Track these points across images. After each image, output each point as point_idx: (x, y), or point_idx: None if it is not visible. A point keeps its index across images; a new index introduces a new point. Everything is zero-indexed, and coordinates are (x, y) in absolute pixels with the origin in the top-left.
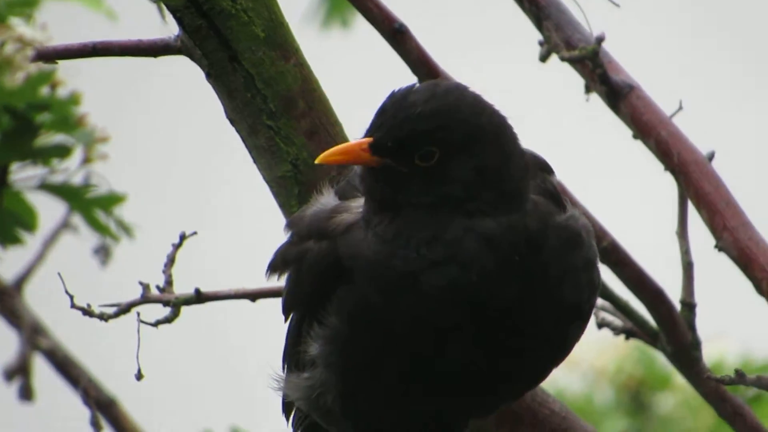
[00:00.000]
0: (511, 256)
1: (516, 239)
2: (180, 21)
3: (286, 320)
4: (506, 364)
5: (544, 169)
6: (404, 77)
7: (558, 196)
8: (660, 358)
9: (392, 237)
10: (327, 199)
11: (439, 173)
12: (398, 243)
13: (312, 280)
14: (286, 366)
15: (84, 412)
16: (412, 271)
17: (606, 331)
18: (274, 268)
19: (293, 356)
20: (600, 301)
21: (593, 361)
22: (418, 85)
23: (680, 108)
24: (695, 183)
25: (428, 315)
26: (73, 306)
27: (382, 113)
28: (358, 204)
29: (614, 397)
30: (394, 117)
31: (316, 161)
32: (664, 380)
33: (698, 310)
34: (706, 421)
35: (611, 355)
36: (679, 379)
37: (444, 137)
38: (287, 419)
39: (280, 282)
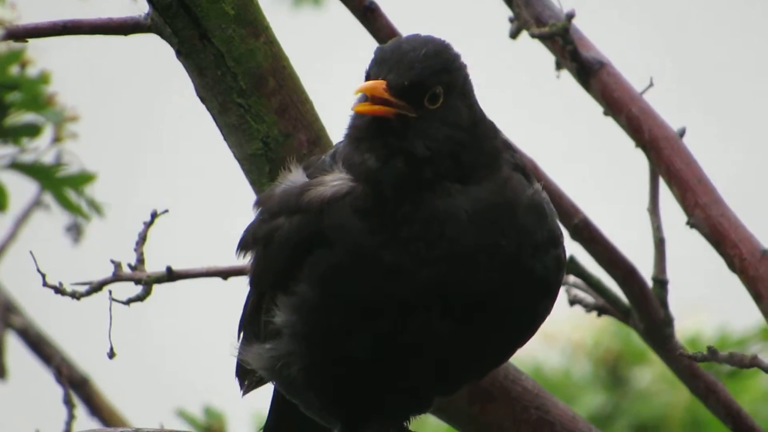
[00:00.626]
0: (496, 233)
1: (500, 215)
2: None
3: (252, 291)
4: (472, 340)
5: (509, 146)
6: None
7: (526, 171)
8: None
9: (380, 211)
10: (295, 176)
11: (443, 117)
12: (386, 218)
13: (283, 254)
14: (242, 335)
15: (57, 390)
16: (399, 246)
17: (587, 312)
18: (245, 245)
19: (253, 326)
20: (572, 278)
21: (571, 336)
22: (400, 37)
23: (651, 84)
24: (666, 159)
25: (403, 285)
26: (45, 284)
27: (384, 60)
28: (333, 178)
29: (592, 371)
30: (401, 60)
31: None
32: (641, 354)
33: (671, 288)
34: (683, 394)
35: (588, 329)
36: (655, 354)
37: (449, 79)
38: (241, 384)
39: (248, 261)
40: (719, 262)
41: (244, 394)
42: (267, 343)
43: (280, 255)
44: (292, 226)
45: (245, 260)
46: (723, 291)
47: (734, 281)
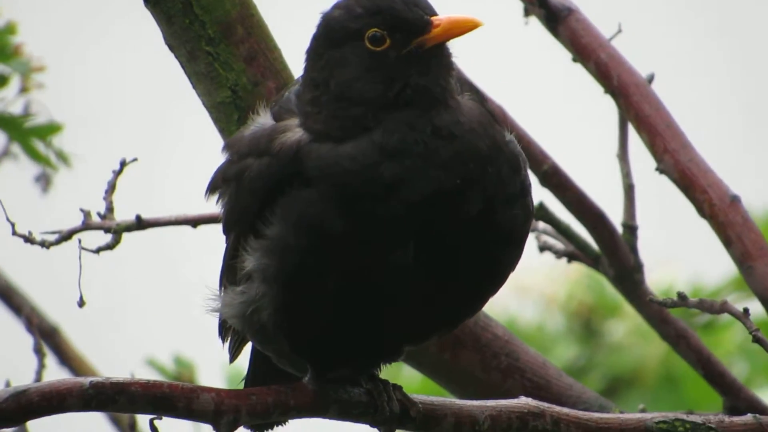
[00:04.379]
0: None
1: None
2: None
3: (227, 239)
4: (443, 287)
5: (475, 89)
6: None
7: (493, 113)
8: (610, 286)
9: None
10: (263, 119)
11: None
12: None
13: (253, 193)
14: (222, 286)
15: (26, 340)
16: (401, 178)
17: (556, 259)
18: (214, 187)
19: (229, 274)
20: (541, 225)
21: (544, 289)
22: None
23: (619, 31)
24: (635, 105)
25: (384, 225)
26: (14, 233)
27: (405, 4)
28: (297, 122)
29: (565, 324)
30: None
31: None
32: (614, 307)
33: (642, 235)
34: (657, 348)
35: (562, 282)
36: (629, 307)
37: None
38: (224, 342)
39: (219, 206)
40: (689, 209)
41: (232, 359)
42: (238, 288)
43: (250, 195)
44: (262, 167)
45: (214, 203)
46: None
47: (704, 230)
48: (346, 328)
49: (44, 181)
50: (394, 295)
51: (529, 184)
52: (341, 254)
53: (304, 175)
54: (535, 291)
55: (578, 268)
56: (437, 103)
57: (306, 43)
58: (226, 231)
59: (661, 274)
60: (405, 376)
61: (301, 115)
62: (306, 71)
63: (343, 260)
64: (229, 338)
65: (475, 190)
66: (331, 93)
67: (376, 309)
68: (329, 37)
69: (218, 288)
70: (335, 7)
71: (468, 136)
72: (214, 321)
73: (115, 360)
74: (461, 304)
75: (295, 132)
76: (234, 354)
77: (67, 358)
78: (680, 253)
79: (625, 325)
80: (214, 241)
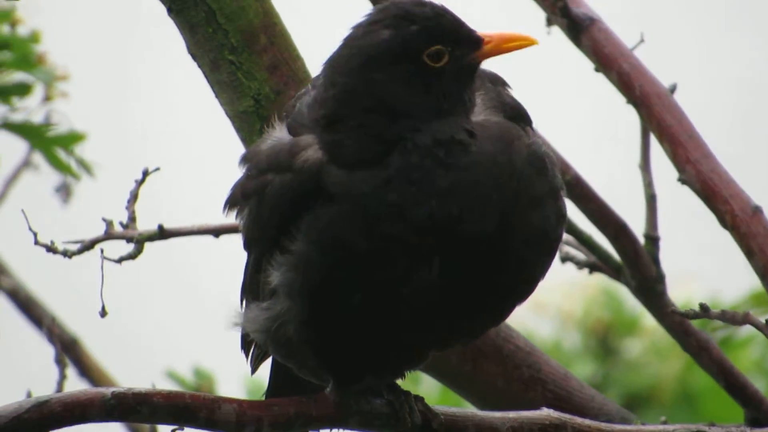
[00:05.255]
0: (500, 183)
1: (502, 168)
2: None
3: (249, 254)
4: (471, 294)
5: (497, 81)
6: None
7: (522, 114)
8: (628, 302)
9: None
10: (279, 133)
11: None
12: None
13: (274, 209)
14: (244, 301)
15: (46, 352)
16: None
17: (574, 275)
18: (233, 202)
19: (252, 290)
20: (564, 236)
21: (561, 306)
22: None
23: (642, 40)
24: (657, 116)
25: (407, 238)
26: (36, 243)
27: (454, 20)
28: (314, 139)
29: (582, 341)
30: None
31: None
32: (631, 324)
33: (663, 246)
34: (673, 365)
35: (579, 299)
36: (646, 324)
37: None
38: (246, 355)
39: (239, 222)
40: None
41: (253, 372)
42: (263, 303)
43: (273, 211)
44: (284, 183)
45: (233, 217)
46: (715, 252)
47: (725, 244)
48: (372, 341)
49: (65, 192)
50: (419, 308)
51: (560, 185)
52: (365, 271)
53: (326, 191)
54: (553, 308)
55: (595, 285)
56: (465, 116)
57: (328, 53)
58: (247, 247)
59: (680, 290)
60: (425, 386)
61: (316, 132)
62: (326, 88)
63: (367, 277)
64: (252, 352)
65: (491, 204)
66: (362, 112)
67: (402, 323)
68: (372, 56)
69: (240, 303)
70: (378, 25)
71: (484, 150)
72: (234, 333)
73: (135, 371)
74: (488, 310)
75: (315, 150)
76: (255, 366)
77: (86, 369)
78: (701, 264)
79: (642, 343)
80: (236, 251)
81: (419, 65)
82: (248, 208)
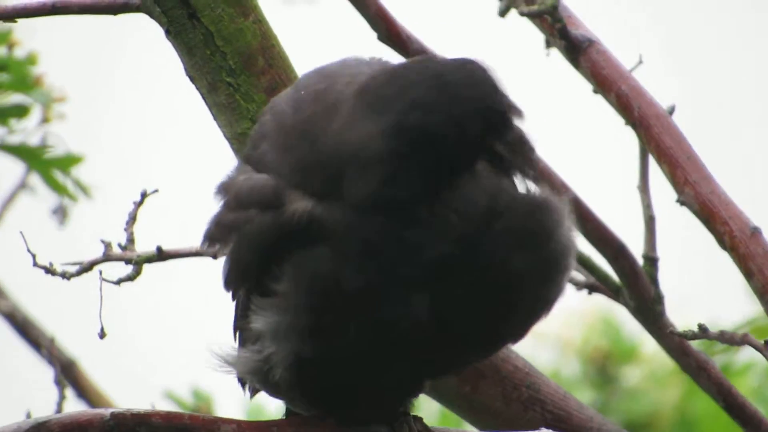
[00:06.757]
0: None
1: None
2: None
3: (232, 296)
4: (465, 333)
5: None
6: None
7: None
8: (626, 330)
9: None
10: (251, 172)
11: None
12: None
13: (257, 250)
14: (237, 338)
15: (43, 374)
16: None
17: (572, 303)
18: (211, 237)
19: (241, 332)
20: None
21: (560, 334)
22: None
23: (640, 62)
24: (656, 137)
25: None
26: (35, 264)
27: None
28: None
29: (581, 369)
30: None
31: None
32: (630, 352)
33: (661, 266)
34: (672, 393)
35: (578, 326)
36: (645, 351)
37: None
38: (243, 389)
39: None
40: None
41: (251, 396)
42: (252, 346)
43: (256, 251)
44: (270, 221)
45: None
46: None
47: (723, 268)
48: (363, 379)
49: (61, 214)
50: (413, 347)
51: (555, 222)
52: (356, 312)
53: (313, 234)
54: (551, 336)
55: (594, 313)
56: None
57: None
58: (228, 287)
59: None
60: (424, 407)
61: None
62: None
63: (358, 317)
64: (247, 385)
65: (481, 247)
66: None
67: (393, 362)
68: None
69: (234, 340)
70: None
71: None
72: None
73: (134, 393)
74: (483, 347)
75: (299, 198)
76: (252, 394)
77: (84, 391)
78: (698, 288)
79: (641, 371)
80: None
81: None
82: (227, 247)
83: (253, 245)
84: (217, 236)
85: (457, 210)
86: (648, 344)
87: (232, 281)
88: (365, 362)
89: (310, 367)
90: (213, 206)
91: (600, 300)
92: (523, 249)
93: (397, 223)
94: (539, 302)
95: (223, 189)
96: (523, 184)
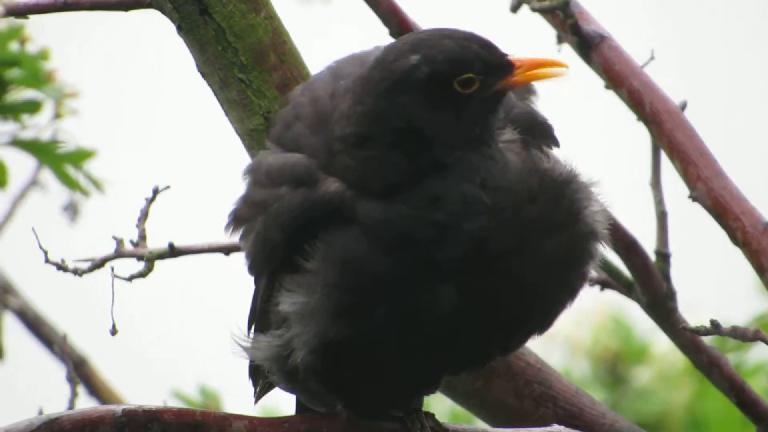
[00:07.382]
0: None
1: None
2: None
3: (254, 280)
4: (490, 323)
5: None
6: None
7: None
8: (637, 330)
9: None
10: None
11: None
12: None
13: (288, 228)
14: (253, 328)
15: (54, 371)
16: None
17: (582, 304)
18: (239, 217)
19: (262, 320)
20: None
21: (570, 334)
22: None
23: (652, 58)
24: (668, 133)
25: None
26: (47, 261)
27: (485, 45)
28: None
29: (591, 370)
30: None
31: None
32: (640, 353)
33: (673, 263)
34: (682, 393)
35: (588, 327)
36: (655, 351)
37: None
38: (254, 384)
39: (244, 244)
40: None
41: (256, 401)
42: (276, 331)
43: (287, 228)
44: (301, 199)
45: (237, 238)
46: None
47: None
48: (386, 367)
49: (72, 210)
50: (438, 335)
51: (583, 206)
52: (386, 294)
53: (347, 211)
54: (562, 337)
55: (604, 314)
56: (492, 142)
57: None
58: (253, 269)
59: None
60: (436, 403)
61: (324, 159)
62: (354, 104)
63: (387, 300)
64: (260, 382)
65: (511, 230)
66: (393, 131)
67: (418, 349)
68: (402, 80)
69: (247, 330)
70: (408, 51)
71: (505, 182)
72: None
73: (145, 390)
74: (502, 340)
75: (333, 180)
76: (258, 397)
77: (96, 388)
78: (710, 284)
79: (651, 371)
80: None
81: (449, 92)
82: (256, 225)
83: (284, 222)
84: (245, 215)
85: (486, 192)
86: (658, 344)
87: (257, 263)
88: (390, 348)
89: (333, 351)
90: (240, 187)
91: (610, 300)
92: (551, 234)
93: (426, 207)
94: (565, 288)
95: (253, 169)
96: (548, 161)
